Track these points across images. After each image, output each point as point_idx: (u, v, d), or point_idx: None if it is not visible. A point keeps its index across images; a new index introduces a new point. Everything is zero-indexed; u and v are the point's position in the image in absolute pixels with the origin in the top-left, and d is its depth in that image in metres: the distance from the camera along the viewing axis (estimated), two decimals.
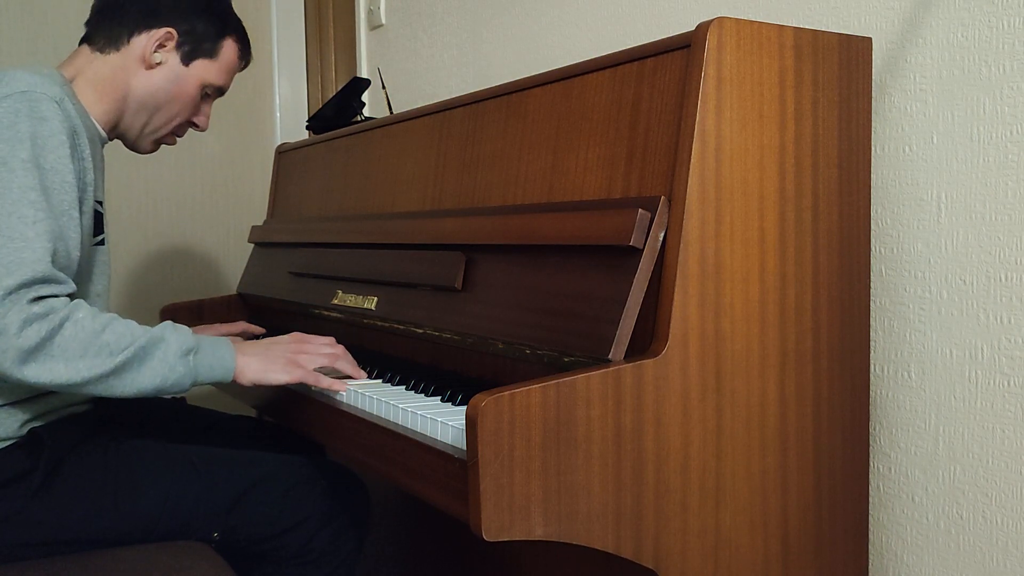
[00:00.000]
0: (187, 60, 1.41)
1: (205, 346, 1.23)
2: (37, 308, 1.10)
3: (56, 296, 1.14)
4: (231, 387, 1.35)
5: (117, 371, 1.14)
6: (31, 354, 1.09)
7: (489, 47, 2.00)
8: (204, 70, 1.43)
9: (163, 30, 1.38)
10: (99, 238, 1.34)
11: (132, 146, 1.47)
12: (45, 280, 1.13)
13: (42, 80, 1.23)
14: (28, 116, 1.18)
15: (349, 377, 1.34)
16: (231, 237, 2.61)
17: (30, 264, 1.12)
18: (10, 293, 1.09)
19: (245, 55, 1.51)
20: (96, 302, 1.35)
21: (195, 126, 1.50)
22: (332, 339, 1.37)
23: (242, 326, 1.72)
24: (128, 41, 1.38)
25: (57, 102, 1.22)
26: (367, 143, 1.73)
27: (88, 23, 1.41)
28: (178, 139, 1.51)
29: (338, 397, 1.28)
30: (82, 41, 1.41)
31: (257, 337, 1.70)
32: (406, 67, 2.33)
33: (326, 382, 1.28)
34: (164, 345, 1.18)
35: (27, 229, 1.13)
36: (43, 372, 1.11)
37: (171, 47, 1.40)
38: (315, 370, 1.31)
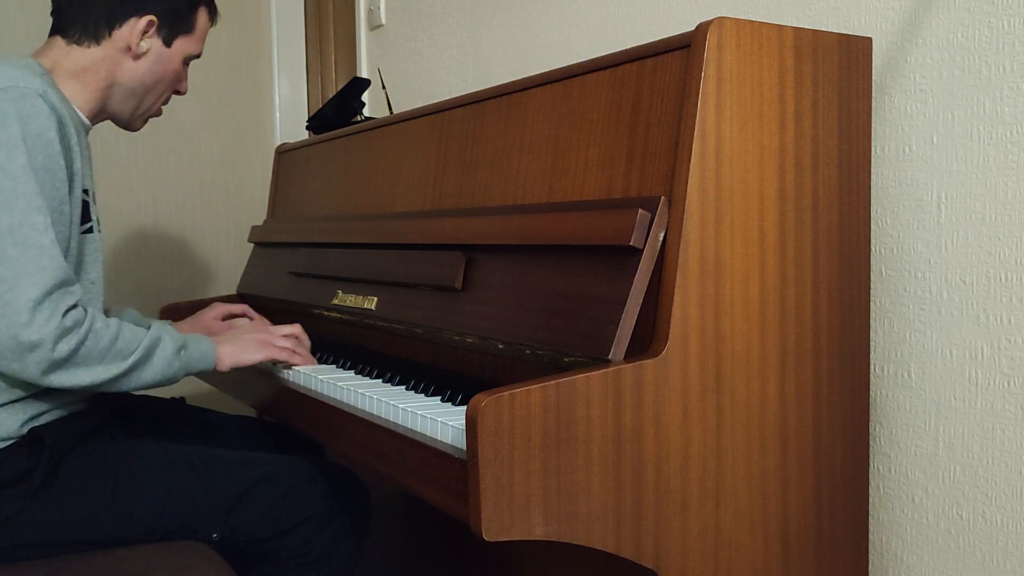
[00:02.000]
0: (169, 41, 1.42)
1: (191, 342, 1.35)
2: (68, 321, 1.17)
3: (76, 305, 1.20)
4: (214, 376, 1.52)
5: (127, 372, 1.24)
6: (60, 365, 1.17)
7: (489, 47, 2.00)
8: (185, 45, 1.45)
9: (144, 19, 1.38)
10: (87, 226, 1.33)
11: (125, 127, 1.49)
12: (64, 284, 1.18)
13: (22, 73, 1.22)
14: (16, 116, 1.18)
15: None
16: (231, 237, 2.61)
17: (50, 271, 1.17)
18: (40, 303, 1.15)
19: (214, 16, 1.52)
20: (91, 289, 1.35)
21: (178, 92, 1.52)
22: (295, 325, 1.53)
23: (244, 308, 1.76)
24: (109, 34, 1.36)
25: (41, 95, 1.21)
26: (367, 143, 1.73)
27: (56, 14, 1.39)
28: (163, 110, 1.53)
29: (337, 396, 1.28)
30: (53, 32, 1.39)
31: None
32: (406, 67, 2.33)
33: (298, 358, 1.47)
34: (162, 345, 1.29)
35: (41, 236, 1.17)
36: (66, 378, 1.19)
37: (152, 32, 1.40)
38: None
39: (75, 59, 1.36)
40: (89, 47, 1.36)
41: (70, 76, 1.35)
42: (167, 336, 1.30)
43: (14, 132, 1.17)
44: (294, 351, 1.47)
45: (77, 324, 1.18)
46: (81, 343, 1.18)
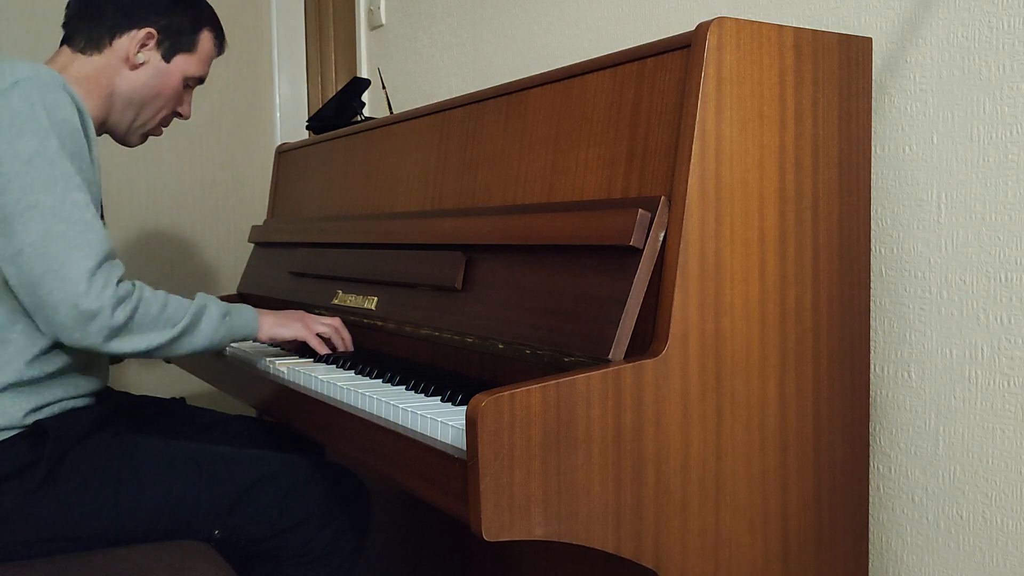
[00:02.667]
0: (168, 56, 1.46)
1: (234, 310, 1.41)
2: (121, 291, 1.23)
3: (124, 276, 1.25)
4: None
5: (179, 337, 1.31)
6: (118, 331, 1.23)
7: (489, 47, 2.00)
8: (185, 64, 1.49)
9: (144, 31, 1.43)
10: None
11: (122, 140, 1.52)
12: (111, 256, 1.24)
13: (40, 67, 1.27)
14: (42, 104, 1.22)
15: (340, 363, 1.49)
16: (231, 237, 2.61)
17: (98, 244, 1.22)
18: (94, 274, 1.20)
19: (220, 43, 1.56)
20: None
21: (179, 115, 1.56)
22: (335, 318, 1.56)
23: None
24: (110, 43, 1.42)
25: (63, 87, 1.26)
26: (367, 143, 1.73)
27: (66, 25, 1.44)
28: (164, 130, 1.57)
29: (337, 395, 1.28)
30: (62, 43, 1.44)
31: None
32: (406, 67, 2.33)
33: (325, 348, 1.51)
34: (208, 312, 1.35)
35: (84, 212, 1.22)
36: (124, 344, 1.24)
37: (152, 46, 1.45)
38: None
39: (79, 67, 1.41)
40: (92, 56, 1.41)
41: (75, 83, 1.40)
42: (212, 304, 1.36)
43: (43, 119, 1.21)
44: (330, 338, 1.52)
45: (129, 293, 1.23)
46: (135, 310, 1.23)
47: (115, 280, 1.22)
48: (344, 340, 1.54)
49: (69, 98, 1.26)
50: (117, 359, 1.45)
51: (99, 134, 1.46)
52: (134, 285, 1.26)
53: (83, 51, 1.41)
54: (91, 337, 1.20)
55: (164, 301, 1.29)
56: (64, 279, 1.18)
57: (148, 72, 1.45)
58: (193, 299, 1.36)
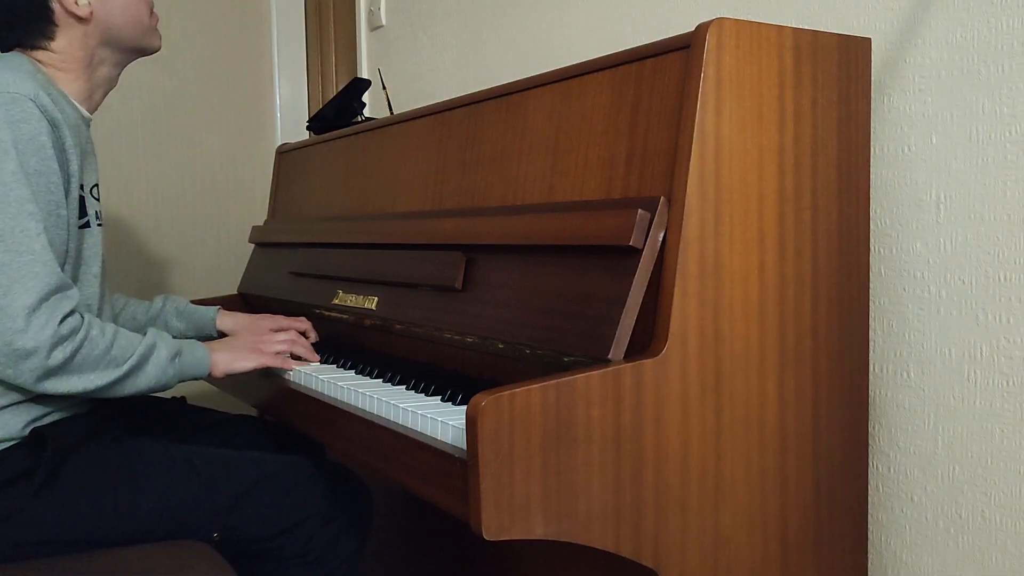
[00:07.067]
0: None
1: (186, 349, 1.36)
2: (64, 329, 1.17)
3: (73, 311, 1.20)
4: (212, 380, 1.49)
5: (121, 379, 1.25)
6: (54, 372, 1.18)
7: (489, 48, 2.00)
8: None
9: None
10: (83, 220, 1.33)
11: (145, 50, 1.43)
12: (59, 289, 1.18)
13: (14, 77, 1.21)
14: (5, 120, 1.18)
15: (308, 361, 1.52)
16: (231, 237, 2.61)
17: (44, 277, 1.17)
18: (35, 310, 1.15)
19: None
20: (93, 283, 1.35)
21: None
22: (294, 330, 1.55)
23: (306, 325, 1.68)
24: (55, 21, 1.32)
25: (33, 99, 1.20)
26: (367, 143, 1.73)
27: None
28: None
29: (337, 395, 1.28)
30: (6, 50, 1.35)
31: (304, 334, 1.67)
32: (406, 68, 2.33)
33: (292, 363, 1.46)
34: (156, 352, 1.30)
35: (33, 242, 1.17)
36: (60, 385, 1.20)
37: None
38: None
39: (50, 57, 1.34)
40: (48, 46, 1.33)
41: (56, 70, 1.34)
42: (162, 343, 1.31)
43: (4, 137, 1.17)
44: (289, 356, 1.48)
45: (73, 331, 1.19)
46: (76, 351, 1.19)
47: (59, 317, 1.16)
48: (305, 348, 1.50)
49: (39, 113, 1.20)
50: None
51: (97, 106, 1.40)
52: (82, 320, 1.21)
53: (43, 47, 1.32)
54: (22, 376, 1.16)
55: (111, 340, 1.24)
56: (2, 312, 1.13)
57: (100, 4, 1.33)
58: (144, 335, 1.30)
